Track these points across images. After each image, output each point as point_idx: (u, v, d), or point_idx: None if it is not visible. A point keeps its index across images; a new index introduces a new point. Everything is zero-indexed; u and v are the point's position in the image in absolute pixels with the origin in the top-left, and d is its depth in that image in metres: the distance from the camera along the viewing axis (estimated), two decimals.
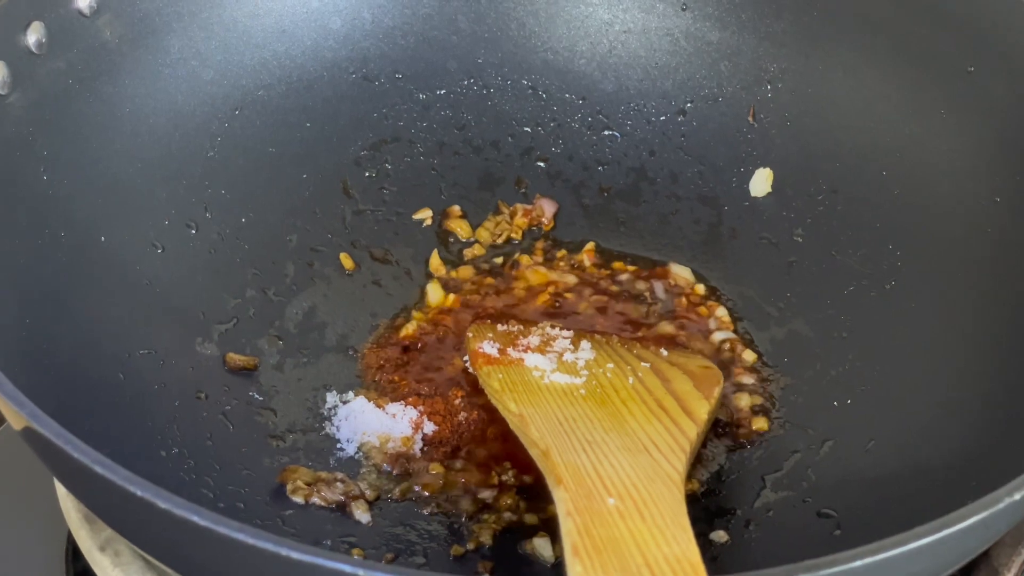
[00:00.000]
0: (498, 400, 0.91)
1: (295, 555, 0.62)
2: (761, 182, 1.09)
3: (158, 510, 0.64)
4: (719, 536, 0.88)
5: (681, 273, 1.07)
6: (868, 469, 0.90)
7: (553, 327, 1.00)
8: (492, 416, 0.94)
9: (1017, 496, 0.67)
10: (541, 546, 0.88)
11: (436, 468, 0.92)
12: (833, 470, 0.91)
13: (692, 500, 0.90)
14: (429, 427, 0.94)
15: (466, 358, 0.98)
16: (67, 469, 0.71)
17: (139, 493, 0.65)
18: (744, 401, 0.97)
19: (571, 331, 0.99)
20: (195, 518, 0.64)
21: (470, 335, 0.99)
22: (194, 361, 0.96)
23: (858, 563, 0.63)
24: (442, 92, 1.13)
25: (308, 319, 1.02)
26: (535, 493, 0.90)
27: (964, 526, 0.66)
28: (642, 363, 0.95)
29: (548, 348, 0.96)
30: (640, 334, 1.02)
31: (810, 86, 1.09)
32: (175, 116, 1.03)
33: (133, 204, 0.99)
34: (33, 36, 0.92)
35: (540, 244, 1.09)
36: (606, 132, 1.13)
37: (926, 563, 0.68)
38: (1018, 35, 0.97)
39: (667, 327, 1.03)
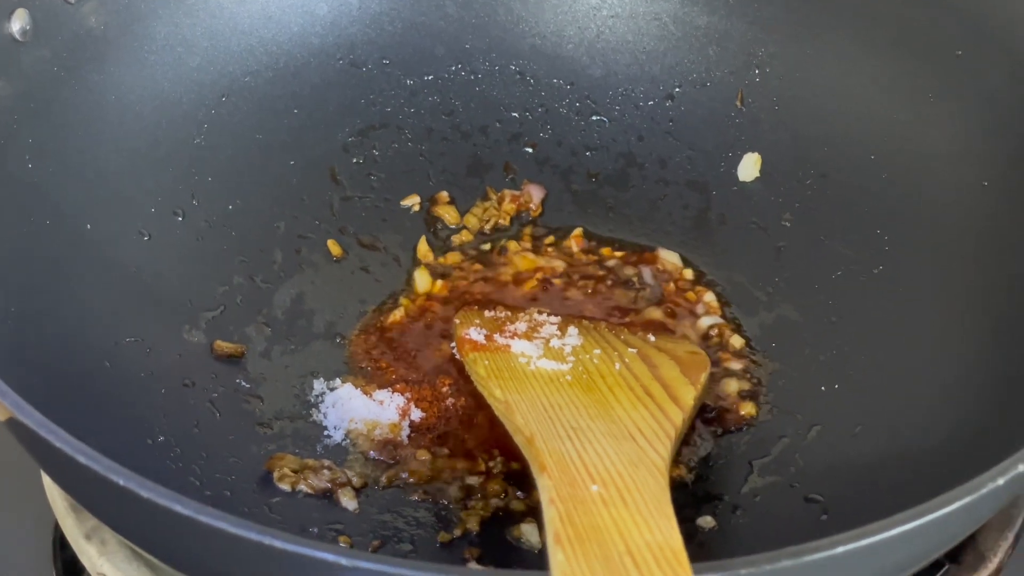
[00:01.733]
0: (484, 387, 0.90)
1: (278, 544, 0.62)
2: (749, 167, 1.09)
3: (141, 499, 0.64)
4: (706, 522, 0.88)
5: (669, 258, 1.07)
6: (855, 454, 0.90)
7: (541, 313, 1.00)
8: (480, 402, 0.94)
9: (1000, 481, 0.67)
10: (528, 532, 0.88)
11: (423, 455, 0.92)
12: (821, 455, 0.91)
13: (679, 486, 0.90)
14: (416, 414, 0.94)
15: (453, 344, 0.98)
16: (50, 459, 0.71)
17: (122, 483, 0.65)
18: (732, 386, 0.97)
19: (559, 317, 0.99)
20: (177, 507, 0.64)
21: (457, 321, 0.99)
22: (181, 349, 0.95)
23: (840, 549, 0.63)
24: (430, 78, 1.13)
25: (296, 306, 1.02)
26: (522, 479, 0.90)
27: (947, 512, 0.66)
28: (629, 349, 0.95)
29: (535, 334, 0.96)
30: (628, 319, 1.02)
31: (799, 71, 1.08)
32: (161, 103, 1.03)
33: (119, 192, 0.98)
34: (17, 24, 0.92)
35: (528, 230, 1.09)
36: (594, 117, 1.13)
37: (910, 549, 0.69)
38: (1007, 20, 0.97)
39: (655, 312, 1.03)
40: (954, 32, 1.00)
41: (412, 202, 1.10)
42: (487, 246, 1.08)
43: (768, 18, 1.10)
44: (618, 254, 1.07)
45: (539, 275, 1.05)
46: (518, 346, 0.94)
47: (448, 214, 1.09)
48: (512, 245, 1.08)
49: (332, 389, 0.96)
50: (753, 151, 1.09)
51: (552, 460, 0.75)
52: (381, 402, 0.95)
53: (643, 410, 0.84)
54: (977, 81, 0.99)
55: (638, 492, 0.69)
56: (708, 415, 0.95)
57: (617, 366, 0.92)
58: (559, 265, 1.06)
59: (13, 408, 0.69)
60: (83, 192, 0.96)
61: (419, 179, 1.11)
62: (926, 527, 0.65)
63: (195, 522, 0.64)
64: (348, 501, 0.88)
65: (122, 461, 0.67)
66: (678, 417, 0.84)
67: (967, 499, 0.66)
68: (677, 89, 1.12)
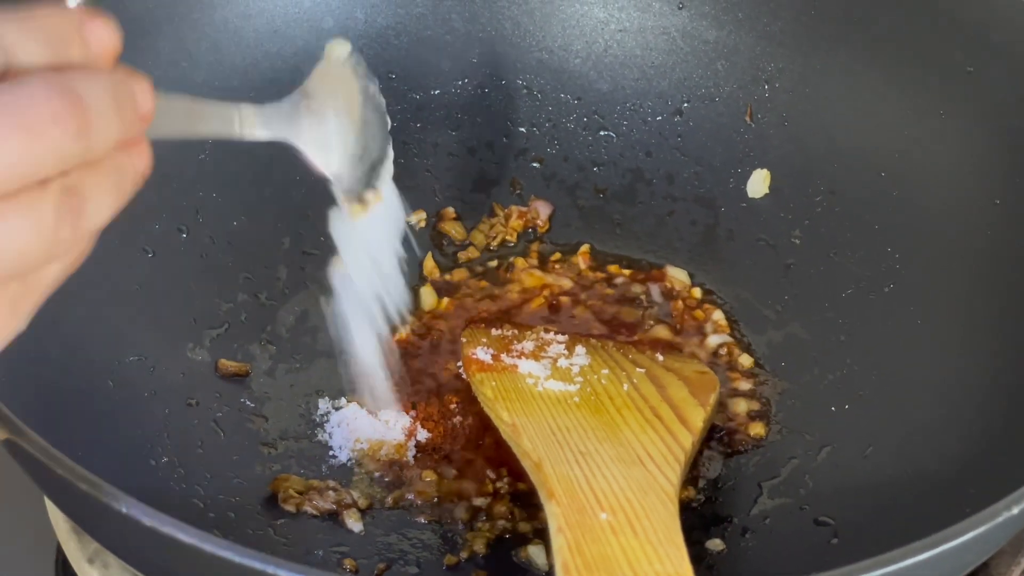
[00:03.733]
0: (491, 409, 0.90)
1: (282, 572, 0.62)
2: (758, 183, 1.08)
3: (143, 527, 0.64)
4: (715, 545, 0.87)
5: (677, 276, 1.06)
6: (866, 476, 0.90)
7: (548, 331, 0.99)
8: (486, 422, 0.93)
9: (1015, 510, 0.67)
10: (535, 554, 0.87)
11: (429, 475, 0.91)
12: (831, 477, 0.91)
13: (688, 508, 0.89)
14: (422, 434, 0.93)
15: (459, 363, 0.97)
16: (51, 483, 0.70)
17: (124, 510, 0.64)
18: (741, 407, 0.96)
19: (566, 335, 0.98)
20: (180, 535, 0.63)
21: (464, 340, 0.98)
22: (185, 367, 0.95)
23: None
24: (436, 92, 1.12)
25: (300, 324, 1.01)
26: (529, 500, 0.89)
27: (961, 541, 0.65)
28: (637, 368, 0.94)
29: (542, 353, 0.95)
30: (636, 338, 1.01)
31: (808, 86, 1.07)
32: None
33: (122, 208, 0.97)
34: None
35: (535, 247, 1.08)
36: (602, 132, 1.12)
37: None
38: (1018, 36, 0.96)
39: (663, 331, 1.02)
40: (965, 48, 0.99)
41: (418, 218, 1.09)
42: (494, 263, 1.07)
43: (777, 33, 1.09)
44: (626, 272, 1.06)
45: (546, 292, 1.04)
46: (525, 366, 0.93)
47: (454, 230, 1.08)
48: (519, 262, 1.07)
49: (337, 408, 0.95)
50: (762, 167, 1.08)
51: (561, 486, 0.74)
52: (387, 422, 0.94)
53: (652, 433, 0.84)
54: (989, 97, 0.98)
55: (648, 520, 0.69)
56: (717, 436, 0.94)
57: (625, 387, 0.91)
58: (566, 282, 1.05)
59: (13, 433, 0.68)
60: None
61: (425, 195, 1.10)
62: (940, 556, 0.65)
63: (198, 550, 0.63)
64: (353, 523, 0.88)
65: (124, 482, 0.67)
66: (687, 440, 0.83)
67: (981, 528, 0.66)
68: (685, 104, 1.11)
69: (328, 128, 0.75)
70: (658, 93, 1.12)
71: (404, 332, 1.01)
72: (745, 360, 1.00)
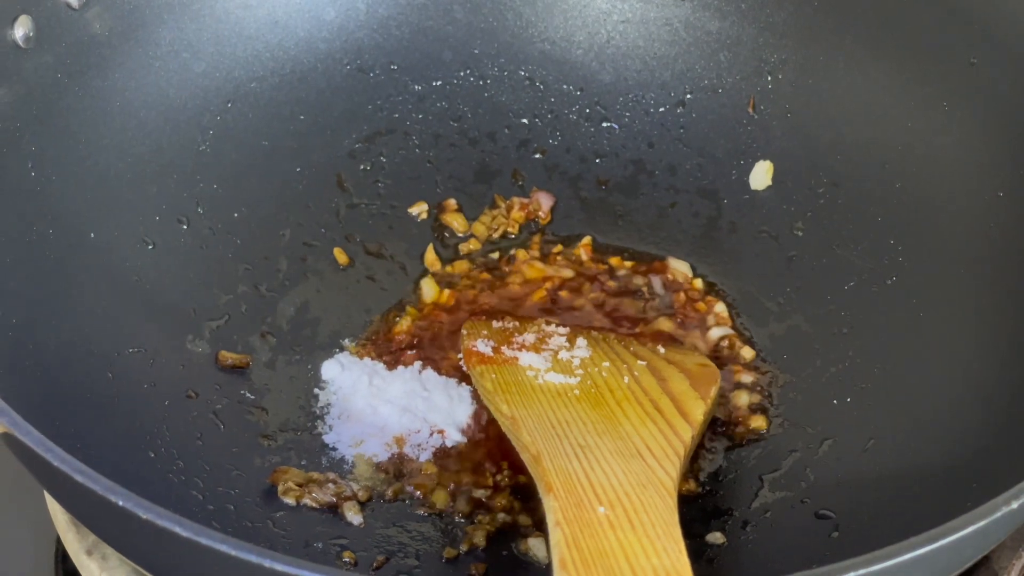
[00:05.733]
0: (490, 401, 0.89)
1: (279, 566, 0.62)
2: (761, 175, 1.07)
3: (139, 520, 0.64)
4: (715, 538, 0.87)
5: (680, 268, 1.05)
6: (867, 469, 0.89)
7: (549, 323, 0.99)
8: (487, 414, 0.93)
9: (1015, 505, 0.66)
10: (535, 547, 0.87)
11: (430, 468, 0.91)
12: (832, 470, 0.90)
13: (688, 501, 0.89)
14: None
15: (460, 355, 0.97)
16: (48, 477, 0.70)
17: (120, 503, 0.64)
18: (742, 399, 0.96)
19: (567, 328, 0.98)
20: (177, 528, 0.63)
21: (465, 332, 0.98)
22: (185, 359, 0.95)
23: (852, 574, 0.62)
24: (438, 83, 1.12)
25: (301, 315, 1.01)
26: (530, 493, 0.89)
27: (962, 535, 0.65)
28: (639, 361, 0.93)
29: (543, 346, 0.95)
30: (638, 330, 1.01)
31: (811, 77, 1.07)
32: (166, 109, 1.02)
33: (123, 200, 0.98)
34: (20, 30, 0.91)
35: (537, 238, 1.08)
36: (604, 124, 1.12)
37: (922, 572, 0.67)
38: (1021, 28, 0.96)
39: (665, 323, 1.01)
40: (968, 40, 0.99)
41: (419, 209, 1.08)
42: (495, 255, 1.07)
43: (780, 24, 1.08)
44: (628, 263, 1.06)
45: (548, 284, 1.04)
46: (526, 359, 0.93)
47: (456, 222, 1.08)
48: (521, 254, 1.06)
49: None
50: (765, 158, 1.08)
51: (559, 480, 0.74)
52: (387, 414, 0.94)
53: (652, 426, 0.83)
54: (992, 89, 0.98)
55: (646, 514, 0.68)
56: (718, 428, 0.94)
57: (626, 379, 0.90)
58: (568, 274, 1.05)
59: (10, 425, 0.68)
60: (86, 200, 0.95)
61: (426, 186, 1.10)
62: (940, 551, 0.64)
63: (194, 543, 0.63)
64: (353, 515, 0.87)
65: (123, 475, 0.67)
66: (687, 434, 0.83)
67: (981, 523, 0.65)
68: (688, 95, 1.11)
69: None
70: (661, 84, 1.12)
71: (405, 324, 1.00)
72: (747, 353, 0.99)
